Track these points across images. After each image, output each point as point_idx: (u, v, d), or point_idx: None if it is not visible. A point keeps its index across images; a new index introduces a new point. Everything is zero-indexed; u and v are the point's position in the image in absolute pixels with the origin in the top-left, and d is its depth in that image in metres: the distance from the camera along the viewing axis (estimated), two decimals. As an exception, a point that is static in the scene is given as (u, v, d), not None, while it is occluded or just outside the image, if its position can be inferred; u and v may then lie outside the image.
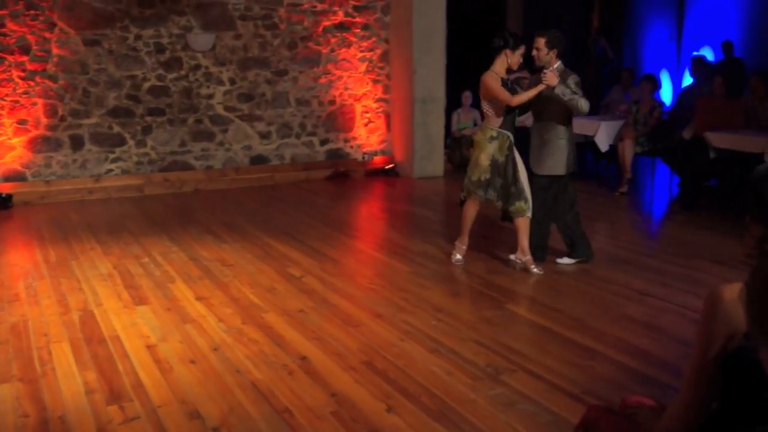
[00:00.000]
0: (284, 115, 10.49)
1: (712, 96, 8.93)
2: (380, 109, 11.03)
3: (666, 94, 12.26)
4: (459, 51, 11.35)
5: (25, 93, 9.21)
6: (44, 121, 9.31)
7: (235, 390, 3.97)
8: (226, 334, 4.75)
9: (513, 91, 5.81)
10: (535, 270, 5.93)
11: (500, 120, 5.87)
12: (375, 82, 10.95)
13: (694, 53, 11.75)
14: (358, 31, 10.74)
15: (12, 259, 6.67)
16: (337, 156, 10.84)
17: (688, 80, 11.16)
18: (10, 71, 9.12)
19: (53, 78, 9.30)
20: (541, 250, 6.17)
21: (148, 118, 9.76)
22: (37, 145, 9.32)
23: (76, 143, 9.48)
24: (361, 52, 10.83)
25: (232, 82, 10.15)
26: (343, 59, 10.73)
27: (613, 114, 10.08)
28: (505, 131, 5.89)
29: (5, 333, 4.82)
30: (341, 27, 10.64)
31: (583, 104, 5.72)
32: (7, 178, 9.19)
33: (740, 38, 11.59)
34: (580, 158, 10.96)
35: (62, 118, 9.39)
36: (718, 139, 8.15)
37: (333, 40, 10.62)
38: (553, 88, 5.65)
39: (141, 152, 9.78)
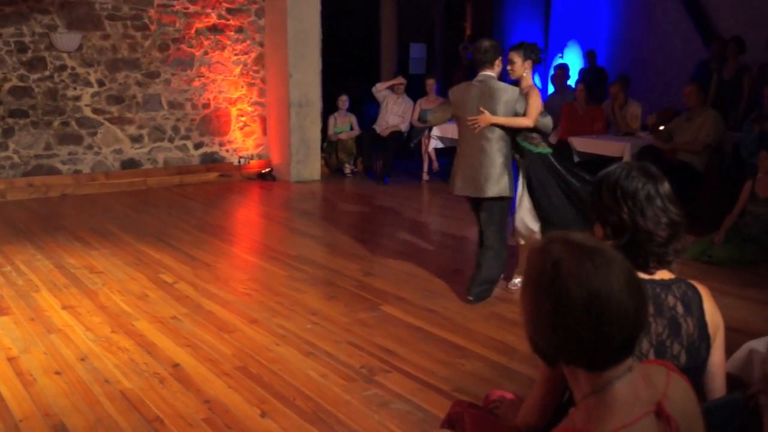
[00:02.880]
0: (156, 118, 10.23)
1: (575, 103, 9.37)
2: (256, 113, 10.94)
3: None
4: (334, 55, 11.42)
5: None
6: None
7: (103, 400, 3.85)
8: (94, 344, 4.60)
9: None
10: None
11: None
12: (250, 85, 10.86)
13: (558, 59, 12.29)
14: (232, 33, 10.62)
15: None
16: (213, 160, 10.67)
17: (552, 88, 11.65)
18: None
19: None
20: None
21: (10, 120, 9.30)
22: None
23: (-70, 146, 8.93)
24: (236, 55, 10.71)
25: (101, 83, 9.82)
26: (217, 62, 10.59)
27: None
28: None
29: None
30: (215, 29, 10.49)
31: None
32: None
33: (604, 46, 12.21)
34: (447, 163, 11.26)
35: None
36: (581, 144, 8.55)
37: (206, 43, 10.46)
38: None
39: (2, 156, 9.31)
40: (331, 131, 11.05)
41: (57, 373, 4.19)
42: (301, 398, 3.89)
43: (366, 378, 4.14)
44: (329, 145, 11.05)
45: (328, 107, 11.00)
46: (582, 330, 1.55)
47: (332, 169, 11.06)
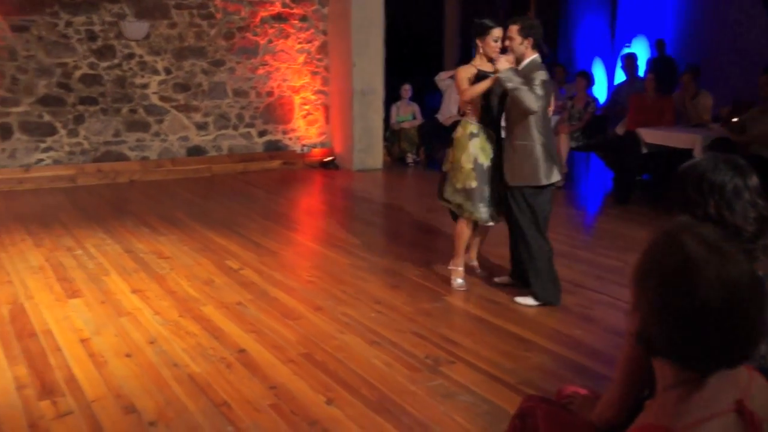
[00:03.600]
0: (221, 106, 10.36)
1: (644, 93, 9.15)
2: (319, 101, 10.98)
3: (600, 90, 12.52)
4: (397, 43, 11.38)
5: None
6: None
7: (171, 383, 3.91)
8: (163, 327, 4.68)
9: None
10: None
11: (480, 115, 5.22)
12: (313, 73, 10.90)
13: (626, 49, 12.03)
14: (296, 22, 10.67)
15: (-63, 251, 6.44)
16: (276, 148, 10.76)
17: (621, 77, 11.41)
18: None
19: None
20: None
21: (80, 107, 9.52)
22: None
23: (5, 132, 9.19)
24: (300, 43, 10.76)
25: (168, 71, 9.98)
26: (281, 50, 10.65)
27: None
28: (487, 128, 5.23)
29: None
30: (279, 18, 10.56)
31: (531, 99, 4.84)
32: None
33: (673, 35, 11.91)
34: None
35: (-10, 106, 9.09)
36: (650, 136, 8.36)
37: (271, 31, 10.53)
38: (497, 73, 4.94)
39: (73, 142, 9.54)
40: (393, 120, 11.04)
41: (127, 355, 4.27)
42: (366, 387, 3.89)
43: (431, 368, 4.11)
44: (392, 135, 11.04)
45: (391, 96, 10.98)
46: (712, 334, 1.49)
47: (394, 158, 11.05)
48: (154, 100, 9.94)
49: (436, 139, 10.69)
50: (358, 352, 4.35)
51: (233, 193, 8.99)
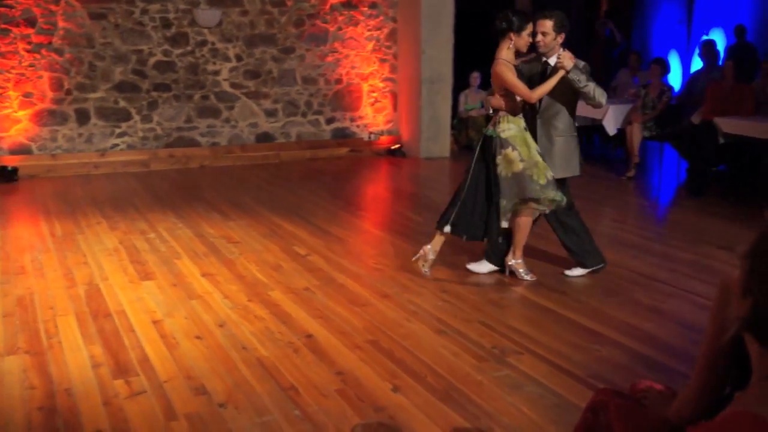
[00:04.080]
0: (290, 93, 10.44)
1: (723, 81, 8.87)
2: (387, 89, 10.97)
3: (675, 78, 12.19)
4: (467, 31, 11.25)
5: (31, 66, 9.17)
6: (50, 94, 9.28)
7: (240, 366, 3.97)
8: (232, 311, 4.75)
9: (522, 78, 5.06)
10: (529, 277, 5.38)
11: (521, 109, 5.17)
12: (382, 61, 10.89)
13: (704, 37, 11.66)
14: (365, 9, 10.66)
15: (18, 232, 6.67)
16: (344, 135, 10.80)
17: (697, 64, 11.08)
18: (15, 44, 9.07)
19: (59, 51, 9.25)
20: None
21: (154, 94, 9.72)
22: (43, 118, 9.29)
23: (82, 117, 9.45)
24: (369, 30, 10.76)
25: (239, 58, 10.10)
26: (350, 38, 10.67)
27: (621, 97, 10.02)
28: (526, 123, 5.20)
29: (11, 305, 4.83)
30: (348, 5, 10.57)
31: (599, 93, 5.01)
32: (13, 151, 9.18)
33: (753, 22, 11.50)
34: (588, 142, 10.95)
35: (68, 92, 9.35)
36: (728, 125, 8.10)
37: (340, 18, 10.55)
38: (568, 72, 4.97)
39: (147, 127, 9.75)
40: (461, 108, 10.96)
41: (197, 337, 4.35)
42: (432, 375, 3.87)
43: (498, 359, 4.07)
44: (459, 123, 10.96)
45: (460, 84, 10.89)
46: None
47: (462, 146, 10.98)
48: (225, 86, 10.08)
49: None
50: (424, 340, 4.33)
51: (301, 180, 9.06)
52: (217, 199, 7.90)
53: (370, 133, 10.91)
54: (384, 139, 10.93)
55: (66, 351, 4.15)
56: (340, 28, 10.57)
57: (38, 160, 9.22)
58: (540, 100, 5.14)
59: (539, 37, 5.07)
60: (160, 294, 5.05)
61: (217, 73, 10.01)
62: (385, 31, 10.83)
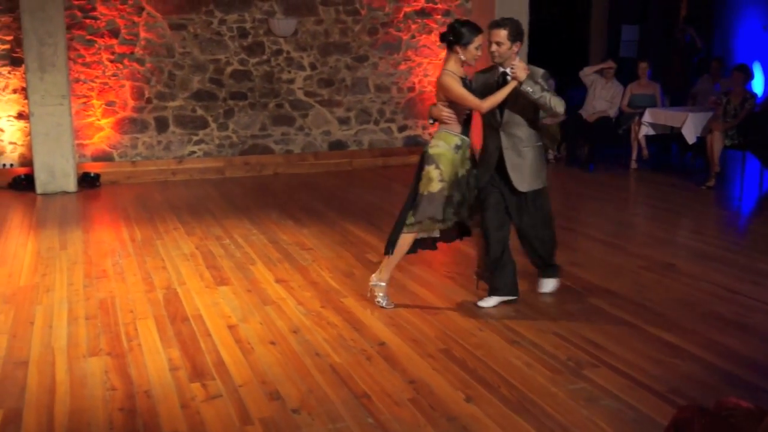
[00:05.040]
0: (363, 101, 10.51)
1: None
2: (460, 97, 10.92)
3: (758, 86, 11.81)
4: (542, 38, 11.14)
5: (114, 75, 9.47)
6: (131, 103, 9.56)
7: (314, 372, 4.00)
8: (306, 317, 4.79)
9: (471, 90, 4.79)
10: None
11: (460, 125, 4.87)
12: (455, 69, 10.85)
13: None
14: (438, 17, 10.66)
15: (100, 236, 6.88)
16: (415, 143, 10.80)
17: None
18: (99, 54, 9.38)
19: (140, 61, 9.53)
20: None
21: (230, 102, 9.91)
22: (124, 126, 9.58)
23: (161, 125, 9.70)
24: (442, 38, 10.73)
25: (313, 67, 10.22)
26: (424, 45, 10.68)
27: (702, 105, 9.76)
28: (467, 138, 4.92)
29: (94, 308, 4.97)
30: (422, 13, 10.59)
31: (556, 102, 4.72)
32: (96, 158, 9.48)
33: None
34: (666, 150, 10.69)
35: (148, 101, 9.62)
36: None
37: (413, 27, 10.58)
38: (521, 83, 4.68)
39: (223, 135, 9.95)
40: (534, 116, 10.82)
41: (272, 343, 4.40)
42: (505, 386, 3.83)
43: (573, 371, 4.00)
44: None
45: (533, 91, 10.76)
46: None
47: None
48: (299, 95, 10.21)
49: (579, 136, 10.41)
50: (497, 350, 4.29)
51: (373, 187, 9.10)
52: (290, 206, 8.00)
53: (443, 141, 10.87)
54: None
55: (145, 353, 4.25)
56: (413, 37, 10.60)
57: (119, 166, 9.51)
58: (501, 113, 4.84)
59: (494, 47, 4.78)
60: (235, 299, 5.14)
61: (291, 81, 10.15)
62: (458, 38, 10.79)
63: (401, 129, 10.75)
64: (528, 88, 4.69)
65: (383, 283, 5.02)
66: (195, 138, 9.86)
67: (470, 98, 4.75)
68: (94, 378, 3.95)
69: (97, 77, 9.40)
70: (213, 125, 9.91)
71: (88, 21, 9.27)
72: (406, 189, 8.85)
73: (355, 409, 3.59)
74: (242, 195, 8.66)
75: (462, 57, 4.78)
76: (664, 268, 5.83)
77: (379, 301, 4.99)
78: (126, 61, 9.48)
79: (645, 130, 9.84)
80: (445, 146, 4.83)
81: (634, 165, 10.05)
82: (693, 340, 4.43)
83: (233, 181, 9.49)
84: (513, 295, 5.07)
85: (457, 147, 4.85)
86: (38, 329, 4.63)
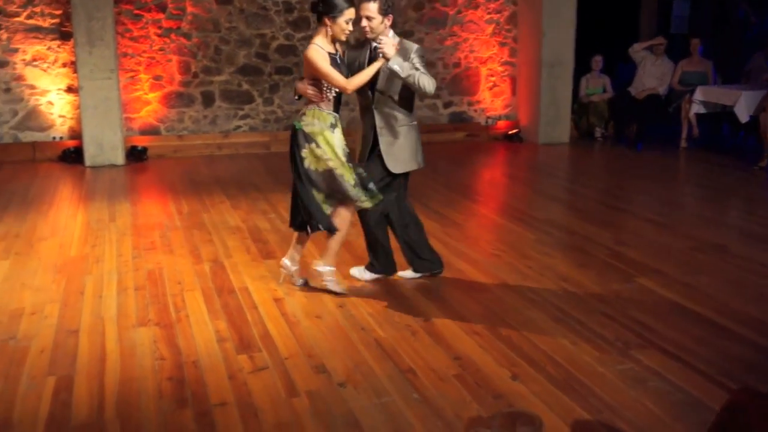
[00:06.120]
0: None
1: None
2: (506, 73, 10.81)
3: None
4: (590, 13, 10.93)
5: (161, 50, 9.53)
6: (178, 77, 9.62)
7: (359, 347, 4.01)
8: (350, 292, 4.80)
9: (343, 67, 4.56)
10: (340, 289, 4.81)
11: (332, 102, 4.62)
12: (501, 44, 10.73)
13: None
14: (486, -8, 10.53)
15: (148, 209, 6.96)
16: (461, 120, 10.72)
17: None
18: (147, 28, 9.44)
19: (187, 35, 9.57)
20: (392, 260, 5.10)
21: (276, 77, 9.92)
22: (171, 100, 9.65)
23: (208, 99, 9.76)
24: (489, 14, 10.62)
25: (359, 42, 10.16)
26: (470, 21, 10.56)
27: (755, 83, 9.52)
28: (338, 114, 4.69)
29: (142, 279, 5.05)
30: (469, -12, 10.47)
31: (426, 82, 4.50)
32: (143, 132, 9.58)
33: None
34: (717, 129, 10.46)
35: (195, 75, 9.67)
36: None
37: (460, 2, 10.46)
38: (388, 60, 4.45)
39: (268, 110, 9.98)
40: (582, 93, 10.68)
41: (317, 317, 4.42)
42: (551, 364, 3.80)
43: (621, 351, 3.95)
44: (580, 108, 10.69)
45: (581, 68, 10.60)
46: None
47: (581, 132, 10.71)
48: (344, 70, 10.17)
49: (628, 114, 10.24)
50: (543, 328, 4.26)
51: (417, 164, 9.05)
52: (335, 182, 7.99)
53: (488, 117, 10.79)
54: (501, 123, 10.80)
55: (193, 325, 4.30)
56: (459, 12, 10.48)
57: (166, 140, 9.60)
58: (373, 91, 4.67)
59: (364, 22, 4.52)
60: (281, 273, 5.16)
61: (336, 56, 10.11)
62: (506, 14, 10.67)
63: (446, 105, 10.67)
64: (395, 66, 4.46)
65: (331, 267, 4.81)
66: (240, 113, 9.90)
67: (335, 76, 4.47)
68: (143, 348, 4.01)
69: (144, 51, 9.47)
70: (258, 100, 9.94)
71: (136, -5, 9.34)
72: (451, 165, 8.90)
73: (401, 384, 3.60)
74: (286, 169, 8.64)
75: (329, 30, 4.49)
76: (715, 249, 5.72)
77: (330, 287, 4.77)
78: (173, 36, 9.53)
79: (696, 108, 9.63)
80: (321, 125, 4.59)
81: (684, 144, 9.85)
82: (744, 322, 4.34)
83: (278, 156, 9.51)
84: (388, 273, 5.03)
85: (332, 125, 4.62)
86: (88, 299, 4.72)
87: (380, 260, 5.03)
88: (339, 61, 4.57)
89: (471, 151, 9.95)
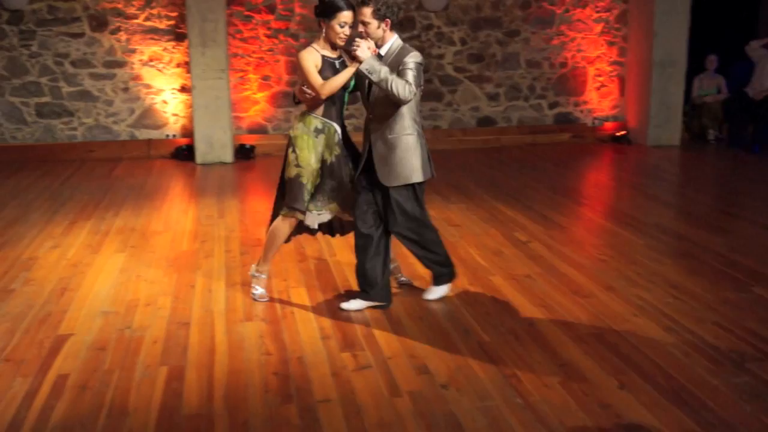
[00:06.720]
0: (514, 77, 10.33)
1: None
2: (614, 73, 10.55)
3: None
4: (705, 10, 10.52)
5: (270, 50, 9.75)
6: (285, 77, 9.82)
7: (462, 349, 3.99)
8: (453, 294, 4.78)
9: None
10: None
11: (323, 107, 4.53)
12: (610, 44, 10.48)
13: None
14: (595, -10, 10.30)
15: (255, 206, 7.14)
16: (566, 120, 10.53)
17: None
18: (256, 29, 9.68)
19: (295, 36, 9.76)
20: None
21: (381, 77, 9.97)
22: (278, 100, 9.86)
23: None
24: (597, 12, 10.38)
25: (463, 42, 10.13)
26: (578, 20, 10.36)
27: None
28: (332, 122, 4.59)
29: (249, 276, 5.16)
30: (578, -14, 10.27)
31: (401, 87, 4.20)
32: (251, 131, 9.83)
33: None
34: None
35: (302, 75, 9.84)
36: None
37: (568, 0, 10.26)
38: (361, 63, 4.25)
39: (372, 110, 10.05)
40: (695, 94, 10.32)
41: (420, 318, 4.43)
42: (661, 375, 3.68)
43: (736, 363, 3.79)
44: (692, 109, 10.33)
45: (694, 67, 10.23)
46: None
47: (693, 134, 10.35)
48: (449, 70, 10.16)
49: (744, 115, 9.82)
50: (652, 337, 4.13)
51: (521, 165, 8.96)
52: (437, 182, 7.92)
53: (595, 118, 10.56)
54: (609, 125, 10.54)
55: (298, 321, 4.38)
56: (567, 10, 10.29)
57: (273, 139, 9.81)
58: (368, 97, 4.48)
59: (361, 28, 4.35)
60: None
61: (441, 56, 10.11)
62: (615, 12, 10.41)
63: (552, 106, 10.50)
64: (365, 69, 4.23)
65: (263, 275, 4.76)
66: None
67: (313, 79, 4.36)
68: (250, 342, 4.11)
69: (253, 52, 9.71)
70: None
71: (246, -3, 9.59)
72: (555, 167, 8.76)
73: (504, 388, 3.56)
74: (390, 169, 8.72)
75: (326, 32, 4.41)
76: (839, 259, 5.42)
77: (254, 293, 4.72)
78: (281, 36, 9.73)
79: (819, 110, 9.14)
80: (304, 129, 4.53)
81: (804, 147, 9.38)
82: None
83: (381, 156, 9.58)
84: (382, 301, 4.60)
85: (318, 131, 4.52)
86: (198, 293, 4.87)
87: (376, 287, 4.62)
88: (338, 67, 4.47)
89: (576, 153, 9.76)
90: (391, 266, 4.82)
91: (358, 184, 4.57)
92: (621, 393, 3.52)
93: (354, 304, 4.55)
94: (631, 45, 10.37)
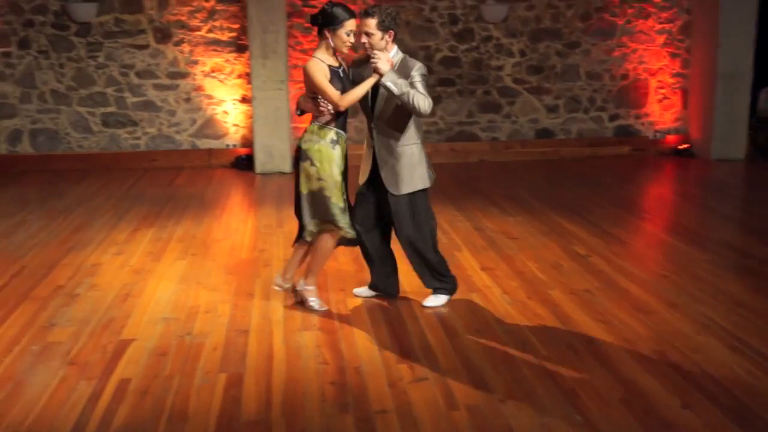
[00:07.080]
0: (573, 89, 10.22)
1: None
2: (677, 85, 10.36)
3: None
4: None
5: (329, 62, 9.82)
6: (344, 88, 9.87)
7: (519, 363, 3.95)
8: (511, 307, 4.75)
9: (346, 82, 4.48)
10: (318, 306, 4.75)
11: (336, 118, 4.53)
12: (673, 56, 10.29)
13: None
14: (657, 1, 10.14)
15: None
16: (627, 133, 10.37)
17: None
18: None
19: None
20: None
21: (439, 89, 9.98)
22: (337, 111, 9.91)
23: (371, 110, 9.95)
24: (660, 23, 10.22)
25: (522, 53, 10.07)
26: (640, 31, 10.20)
27: None
28: (344, 132, 4.60)
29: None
30: (640, -3, 10.13)
31: (421, 101, 4.31)
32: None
33: None
34: None
35: (360, 86, 9.89)
36: None
37: (630, 11, 10.13)
38: (382, 77, 4.33)
39: (430, 122, 10.05)
40: (761, 106, 10.06)
41: (477, 330, 4.40)
42: (725, 395, 3.59)
43: (805, 386, 3.68)
44: (758, 122, 10.07)
45: (760, 79, 9.98)
46: None
47: (759, 148, 10.09)
48: (508, 82, 10.10)
49: (813, 129, 9.54)
50: (717, 356, 4.03)
51: (580, 178, 8.85)
52: (495, 194, 7.95)
53: (656, 131, 10.37)
54: (671, 138, 10.35)
55: (355, 331, 4.40)
56: (629, 22, 10.15)
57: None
58: (373, 108, 4.52)
59: (364, 38, 4.40)
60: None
61: (500, 68, 10.06)
62: (678, 23, 10.22)
63: (612, 118, 10.35)
64: (388, 82, 4.30)
65: (312, 287, 4.79)
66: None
67: (330, 91, 4.38)
68: (308, 351, 4.14)
69: (313, 63, 9.80)
70: (420, 111, 10.03)
71: (306, 9, 9.67)
72: (616, 180, 8.63)
73: (563, 405, 3.51)
74: (447, 181, 8.69)
75: (331, 43, 4.41)
76: None
77: (312, 306, 4.74)
78: (341, 48, 9.80)
79: None
80: (320, 141, 4.50)
81: None
82: None
83: (439, 168, 9.39)
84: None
85: (333, 142, 4.51)
86: (257, 301, 4.92)
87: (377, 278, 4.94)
88: (342, 75, 4.50)
89: (637, 166, 9.60)
90: (292, 274, 4.85)
91: (360, 194, 4.72)
92: (684, 413, 3.44)
93: (435, 301, 4.77)
94: (695, 56, 10.17)
